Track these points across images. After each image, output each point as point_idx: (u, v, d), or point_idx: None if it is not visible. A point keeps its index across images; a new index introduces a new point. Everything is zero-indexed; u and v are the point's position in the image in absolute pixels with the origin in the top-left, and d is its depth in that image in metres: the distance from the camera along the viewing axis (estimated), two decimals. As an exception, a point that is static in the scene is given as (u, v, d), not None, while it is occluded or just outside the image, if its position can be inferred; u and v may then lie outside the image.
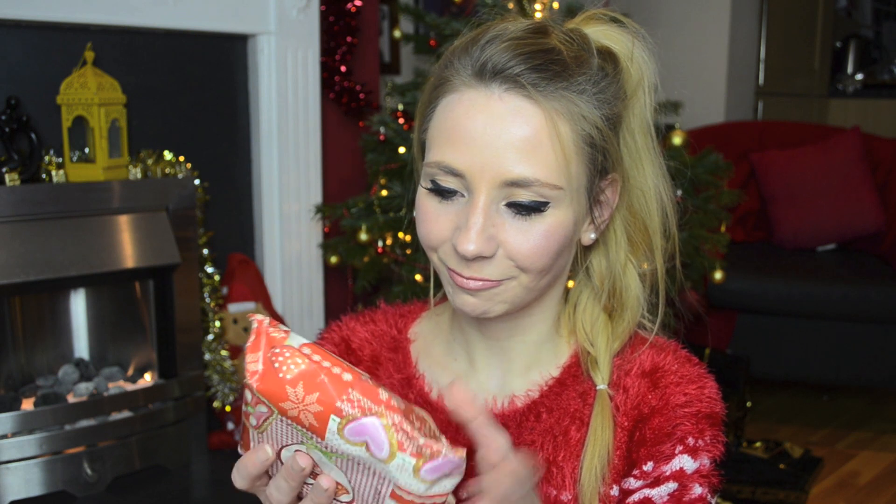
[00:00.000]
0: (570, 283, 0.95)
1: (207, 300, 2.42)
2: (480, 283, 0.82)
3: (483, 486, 0.70)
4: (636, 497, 0.85)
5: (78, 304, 2.33)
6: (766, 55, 4.55)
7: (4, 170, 1.99)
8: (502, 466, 0.70)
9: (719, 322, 3.34)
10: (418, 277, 2.36)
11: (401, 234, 2.49)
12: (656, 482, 0.85)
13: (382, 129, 2.56)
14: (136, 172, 2.21)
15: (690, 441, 0.86)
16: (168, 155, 2.32)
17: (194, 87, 2.47)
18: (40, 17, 2.08)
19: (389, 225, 2.47)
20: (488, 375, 0.93)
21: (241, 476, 0.73)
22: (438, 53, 0.92)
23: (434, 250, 0.85)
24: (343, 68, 2.86)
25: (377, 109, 2.95)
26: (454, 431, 0.85)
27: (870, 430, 3.30)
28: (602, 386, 0.88)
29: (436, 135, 0.83)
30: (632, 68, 0.87)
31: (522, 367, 0.92)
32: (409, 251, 2.47)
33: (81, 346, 2.34)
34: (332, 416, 0.66)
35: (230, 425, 2.52)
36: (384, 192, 2.52)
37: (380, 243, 2.54)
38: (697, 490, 0.85)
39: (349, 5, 2.84)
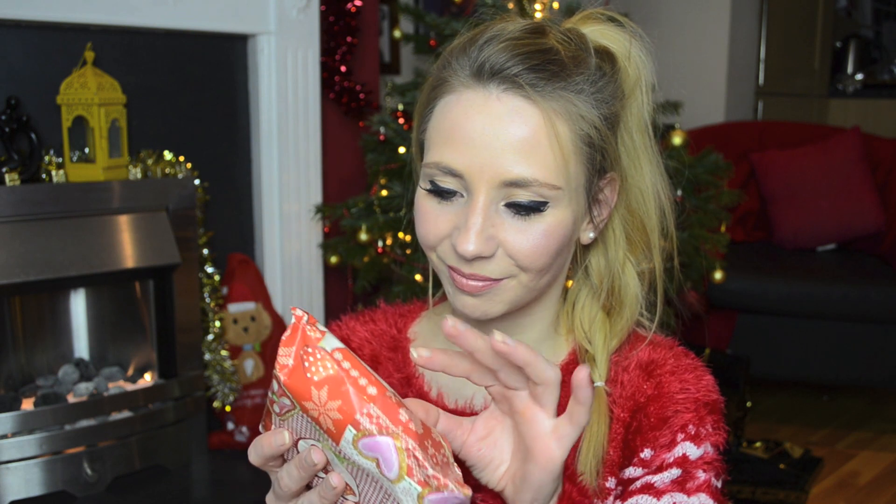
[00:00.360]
0: (569, 283, 0.95)
1: (207, 300, 2.42)
2: (482, 284, 0.82)
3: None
4: (638, 484, 0.85)
5: (78, 304, 2.33)
6: (766, 55, 4.55)
7: (4, 170, 1.99)
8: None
9: (719, 322, 3.34)
10: (418, 277, 2.37)
11: (401, 234, 2.49)
12: (658, 469, 0.85)
13: (382, 129, 2.56)
14: (136, 172, 2.21)
15: (691, 429, 0.86)
16: (168, 155, 2.32)
17: (194, 87, 2.47)
18: (40, 17, 2.08)
19: (389, 225, 2.48)
20: (488, 374, 0.93)
21: (256, 454, 0.74)
22: (438, 53, 0.92)
23: (433, 250, 0.85)
24: (343, 68, 2.86)
25: (377, 109, 2.95)
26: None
27: (870, 430, 3.30)
28: (599, 383, 0.88)
29: (434, 135, 0.83)
30: (629, 68, 0.87)
31: None
32: (409, 251, 2.48)
33: (81, 346, 2.34)
34: (350, 427, 0.67)
35: (230, 425, 2.52)
36: (384, 192, 2.52)
37: (380, 243, 2.54)
38: (701, 476, 0.84)
39: (349, 5, 2.85)
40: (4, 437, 2.01)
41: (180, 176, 2.31)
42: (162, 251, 2.23)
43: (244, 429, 2.51)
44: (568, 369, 0.91)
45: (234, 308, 2.54)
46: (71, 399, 2.16)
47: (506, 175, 0.78)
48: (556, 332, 0.94)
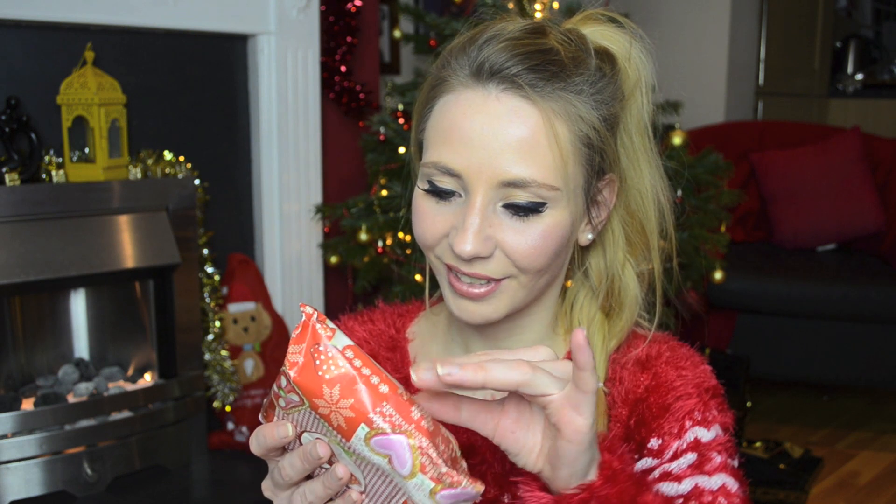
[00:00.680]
0: (568, 283, 0.95)
1: (207, 300, 2.42)
2: (483, 290, 0.82)
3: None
4: (656, 474, 0.85)
5: (78, 304, 2.33)
6: (766, 55, 4.55)
7: (4, 170, 1.99)
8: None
9: (719, 322, 3.34)
10: (418, 277, 2.37)
11: (401, 234, 2.49)
12: (674, 457, 0.84)
13: (382, 129, 2.56)
14: (136, 172, 2.21)
15: (698, 415, 0.86)
16: (168, 155, 2.32)
17: (194, 87, 2.47)
18: (40, 17, 2.08)
19: (389, 225, 2.48)
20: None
21: (258, 444, 0.74)
22: (437, 53, 0.92)
23: (431, 250, 0.85)
24: (343, 68, 2.86)
25: (377, 109, 2.95)
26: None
27: (870, 430, 3.30)
28: (598, 384, 0.88)
29: (433, 135, 0.83)
30: (629, 69, 0.87)
31: None
32: (408, 251, 2.48)
33: (81, 346, 2.34)
34: (363, 425, 0.67)
35: (230, 425, 2.52)
36: (384, 192, 2.52)
37: (380, 243, 2.54)
38: (717, 458, 0.84)
39: (349, 5, 2.84)
40: (4, 437, 2.01)
41: (180, 176, 2.31)
42: (162, 251, 2.23)
43: (244, 429, 2.51)
44: None
45: (234, 308, 2.54)
46: (71, 399, 2.16)
47: (504, 175, 0.78)
48: (555, 332, 0.94)
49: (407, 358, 0.98)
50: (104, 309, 2.36)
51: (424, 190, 0.83)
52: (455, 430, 0.76)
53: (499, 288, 0.83)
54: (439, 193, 0.82)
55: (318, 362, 0.67)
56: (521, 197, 0.79)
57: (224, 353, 2.44)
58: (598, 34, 0.87)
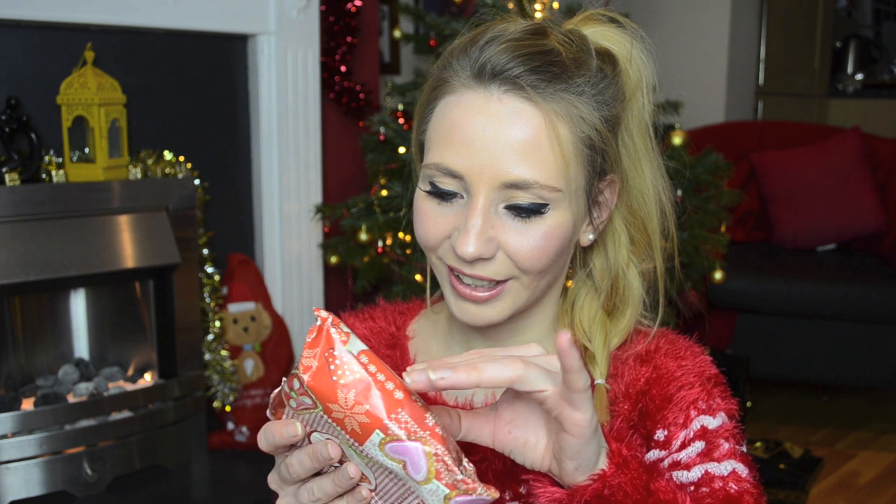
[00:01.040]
0: (569, 283, 0.95)
1: (207, 300, 2.42)
2: (487, 294, 0.82)
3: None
4: (665, 464, 0.85)
5: (78, 304, 2.33)
6: (766, 55, 4.55)
7: (4, 170, 1.99)
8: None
9: (719, 322, 3.34)
10: (418, 277, 2.37)
11: (401, 234, 2.49)
12: (682, 447, 0.85)
13: (382, 129, 2.56)
14: (136, 172, 2.21)
15: (702, 404, 0.86)
16: (168, 155, 2.32)
17: (194, 87, 2.47)
18: (40, 17, 2.08)
19: (389, 225, 2.47)
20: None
21: (266, 441, 0.74)
22: (438, 53, 0.92)
23: (433, 251, 0.85)
24: (343, 68, 2.86)
25: (377, 109, 2.95)
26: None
27: (870, 430, 3.30)
28: (599, 381, 0.88)
29: (434, 136, 0.83)
30: (630, 70, 0.87)
31: None
32: (409, 251, 2.48)
33: (81, 346, 2.34)
34: (377, 431, 0.67)
35: (230, 425, 2.52)
36: (384, 192, 2.52)
37: (380, 243, 2.54)
38: (725, 445, 0.85)
39: (349, 5, 2.84)
40: (4, 437, 2.01)
41: (180, 176, 2.31)
42: (162, 251, 2.23)
43: (244, 429, 2.51)
44: None
45: (234, 308, 2.54)
46: (71, 399, 2.16)
47: (506, 177, 0.78)
48: (556, 330, 0.94)
49: (407, 355, 0.98)
50: (104, 309, 2.36)
51: (426, 191, 0.83)
52: None
53: (502, 291, 0.83)
54: (441, 195, 0.82)
55: (332, 367, 0.67)
56: (523, 198, 0.79)
57: (224, 353, 2.44)
58: (600, 35, 0.87)
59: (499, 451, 0.72)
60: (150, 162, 2.27)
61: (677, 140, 2.43)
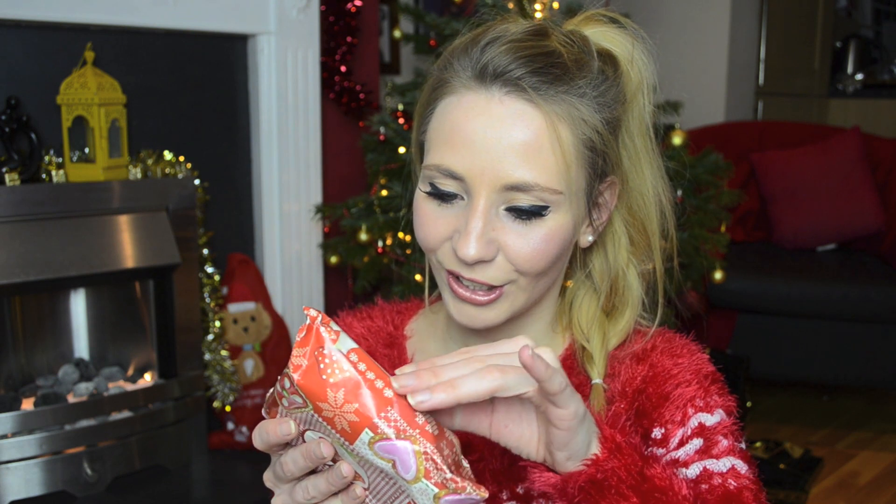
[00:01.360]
0: (568, 283, 0.95)
1: (207, 300, 2.42)
2: (486, 299, 0.82)
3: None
4: (663, 462, 0.85)
5: (78, 304, 2.33)
6: (766, 55, 4.55)
7: (4, 170, 1.99)
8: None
9: (719, 322, 3.34)
10: (418, 277, 2.37)
11: (401, 234, 2.49)
12: (680, 444, 0.84)
13: (382, 129, 2.56)
14: (136, 172, 2.21)
15: (699, 402, 0.86)
16: (168, 155, 2.32)
17: (194, 87, 2.47)
18: (40, 17, 2.08)
19: (389, 225, 2.47)
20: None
21: (261, 439, 0.74)
22: (438, 53, 0.92)
23: (433, 252, 0.85)
24: (343, 68, 2.86)
25: (377, 109, 2.95)
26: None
27: (870, 430, 3.30)
28: (597, 381, 0.88)
29: (435, 137, 0.83)
30: (632, 71, 0.87)
31: None
32: (409, 251, 2.48)
33: (81, 346, 2.34)
34: (367, 430, 0.67)
35: (230, 425, 2.52)
36: (384, 192, 2.52)
37: (380, 243, 2.54)
38: (724, 442, 0.84)
39: (349, 5, 2.84)
40: (4, 437, 2.01)
41: (180, 176, 2.31)
42: (162, 251, 2.23)
43: (244, 429, 2.51)
44: (565, 364, 0.92)
45: (234, 308, 2.54)
46: (71, 399, 2.16)
47: (507, 179, 0.78)
48: (554, 331, 0.94)
49: (405, 354, 0.98)
50: (104, 309, 2.36)
51: (426, 192, 0.83)
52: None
53: (500, 294, 0.83)
54: (441, 196, 0.82)
55: (322, 366, 0.67)
56: (524, 200, 0.79)
57: (224, 353, 2.44)
58: (601, 36, 0.87)
59: (496, 442, 0.72)
60: (150, 162, 2.27)
61: (677, 140, 2.43)
